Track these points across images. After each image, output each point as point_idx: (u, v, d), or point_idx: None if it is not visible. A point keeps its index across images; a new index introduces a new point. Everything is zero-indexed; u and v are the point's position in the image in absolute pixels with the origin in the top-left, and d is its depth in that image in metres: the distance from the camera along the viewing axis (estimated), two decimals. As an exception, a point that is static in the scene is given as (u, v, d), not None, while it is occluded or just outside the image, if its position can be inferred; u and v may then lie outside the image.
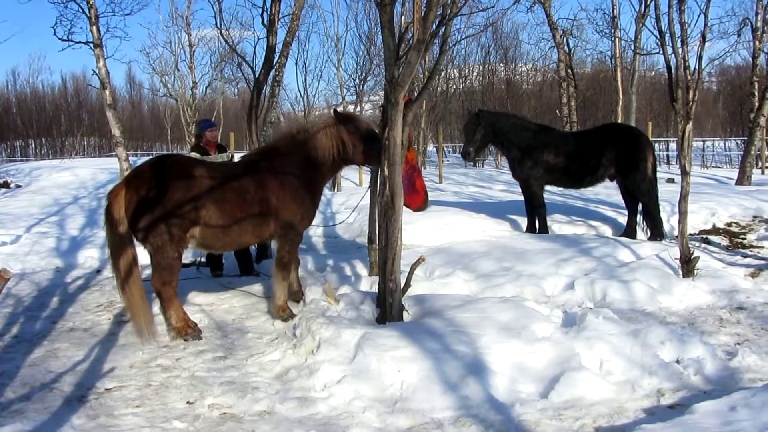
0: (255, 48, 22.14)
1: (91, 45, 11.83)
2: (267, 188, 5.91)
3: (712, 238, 9.14)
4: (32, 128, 44.82)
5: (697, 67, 7.21)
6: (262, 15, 9.31)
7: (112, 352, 5.42)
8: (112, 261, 5.62)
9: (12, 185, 18.88)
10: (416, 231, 9.52)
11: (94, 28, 11.73)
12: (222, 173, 5.88)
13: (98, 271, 8.74)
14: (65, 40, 12.18)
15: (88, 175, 20.30)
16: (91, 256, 9.39)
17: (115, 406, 4.35)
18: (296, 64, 24.34)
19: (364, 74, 23.03)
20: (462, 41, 25.80)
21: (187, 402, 4.42)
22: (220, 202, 5.67)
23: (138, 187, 5.53)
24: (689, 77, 7.14)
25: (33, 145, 45.09)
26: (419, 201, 7.45)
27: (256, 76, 9.10)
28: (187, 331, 5.69)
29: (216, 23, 11.55)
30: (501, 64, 34.55)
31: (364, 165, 6.63)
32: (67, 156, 39.50)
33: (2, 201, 15.49)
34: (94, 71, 11.98)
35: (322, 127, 6.13)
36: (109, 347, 5.55)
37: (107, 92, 11.92)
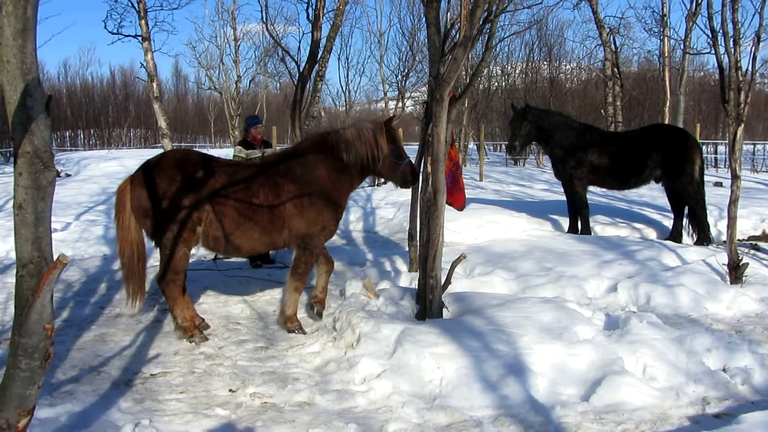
0: (300, 43, 22.25)
1: (140, 38, 12.13)
2: (282, 193, 5.54)
3: (761, 244, 8.89)
4: (81, 119, 46.01)
5: (750, 68, 7.00)
6: (307, 10, 9.41)
7: (157, 339, 5.55)
8: (120, 256, 5.58)
9: (62, 174, 19.45)
10: (456, 229, 9.49)
11: (143, 21, 12.02)
12: (233, 174, 5.57)
13: (143, 260, 8.93)
14: (115, 34, 12.53)
15: (135, 165, 20.64)
16: (136, 244, 9.61)
17: (160, 392, 4.46)
18: (338, 59, 24.66)
19: (406, 70, 23.02)
20: (506, 38, 25.54)
21: (230, 390, 4.51)
22: (223, 205, 5.41)
23: (144, 183, 5.39)
24: (741, 78, 6.95)
25: (82, 136, 46.28)
26: (462, 200, 7.42)
27: (301, 70, 9.20)
28: (193, 332, 5.48)
29: (262, 18, 11.67)
30: (545, 62, 34.10)
31: (384, 178, 6.16)
32: (114, 147, 40.48)
33: (53, 189, 15.94)
34: (142, 64, 12.29)
35: (360, 129, 5.78)
36: (154, 334, 5.68)
37: (154, 85, 12.21)
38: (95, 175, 19.01)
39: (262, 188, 5.53)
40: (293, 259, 5.79)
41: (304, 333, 5.67)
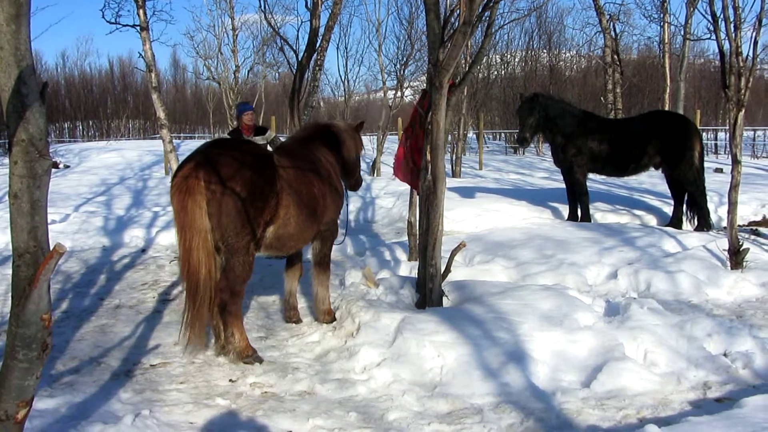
0: (298, 32, 22.02)
1: (138, 28, 12.00)
2: (324, 183, 5.32)
3: (761, 229, 8.87)
4: (80, 110, 45.81)
5: (750, 54, 6.95)
6: (305, -2, 9.33)
7: (157, 330, 5.55)
8: (186, 275, 4.51)
9: (61, 165, 19.38)
10: (456, 217, 9.48)
11: (141, 11, 11.88)
12: (297, 165, 5.11)
13: (143, 250, 8.93)
14: (113, 23, 12.38)
15: (135, 156, 20.76)
16: (136, 235, 9.60)
17: (160, 382, 4.46)
18: (337, 48, 24.31)
19: (404, 59, 22.86)
20: (505, 26, 25.39)
21: (230, 380, 4.50)
22: (295, 201, 4.92)
23: (218, 176, 4.46)
24: (742, 64, 6.91)
25: (81, 127, 46.13)
26: (401, 176, 7.07)
27: (299, 59, 9.14)
28: (249, 352, 4.78)
29: (260, 6, 11.57)
30: (544, 50, 33.95)
31: (348, 177, 6.03)
32: (113, 138, 40.38)
33: (52, 180, 15.82)
34: (141, 54, 12.16)
35: (350, 127, 5.94)
36: (153, 325, 5.68)
37: (153, 75, 12.08)
38: (95, 167, 18.97)
39: (316, 179, 5.22)
40: (318, 254, 5.61)
41: (335, 320, 5.57)
